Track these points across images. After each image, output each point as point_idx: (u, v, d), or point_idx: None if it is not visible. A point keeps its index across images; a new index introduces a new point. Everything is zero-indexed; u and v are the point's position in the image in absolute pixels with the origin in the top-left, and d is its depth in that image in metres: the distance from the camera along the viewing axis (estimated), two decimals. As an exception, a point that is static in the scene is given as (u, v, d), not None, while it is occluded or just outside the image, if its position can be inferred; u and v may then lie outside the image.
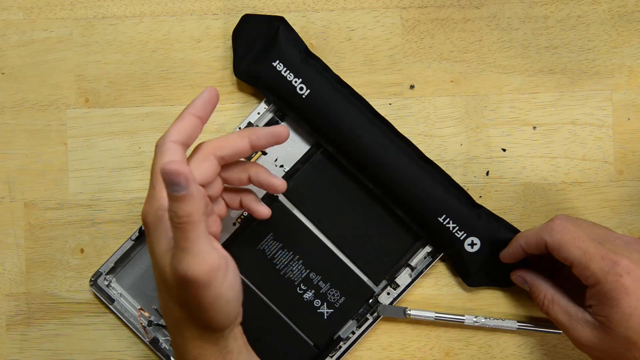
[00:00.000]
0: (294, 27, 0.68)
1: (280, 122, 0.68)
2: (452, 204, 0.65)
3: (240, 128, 0.67)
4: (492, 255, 0.66)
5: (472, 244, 0.65)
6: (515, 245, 0.63)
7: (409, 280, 0.67)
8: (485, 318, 0.66)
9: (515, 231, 0.66)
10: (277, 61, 0.65)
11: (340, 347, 0.66)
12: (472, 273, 0.66)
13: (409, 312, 0.66)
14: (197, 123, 0.56)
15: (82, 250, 0.68)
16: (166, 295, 0.55)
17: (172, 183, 0.48)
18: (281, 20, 0.66)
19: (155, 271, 0.55)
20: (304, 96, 0.65)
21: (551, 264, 0.64)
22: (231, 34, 0.67)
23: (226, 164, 0.59)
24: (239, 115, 0.68)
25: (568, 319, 0.60)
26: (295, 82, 0.65)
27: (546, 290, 0.62)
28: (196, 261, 0.50)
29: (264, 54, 0.66)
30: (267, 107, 0.67)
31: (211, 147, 0.57)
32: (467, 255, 0.65)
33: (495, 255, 0.65)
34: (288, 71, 0.65)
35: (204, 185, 0.57)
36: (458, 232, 0.65)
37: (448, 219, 0.65)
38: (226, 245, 0.67)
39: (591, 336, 0.58)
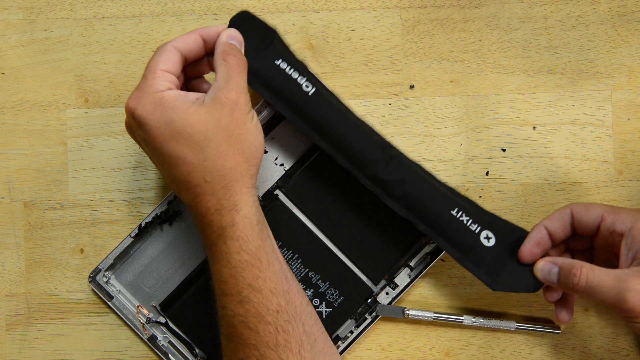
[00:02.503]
0: (294, 28, 0.68)
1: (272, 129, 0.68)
2: (462, 200, 0.64)
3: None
4: (511, 255, 0.63)
5: (487, 238, 0.63)
6: (538, 228, 0.62)
7: (408, 280, 0.66)
8: (483, 318, 0.66)
9: (523, 230, 0.64)
10: (280, 60, 0.65)
11: (339, 346, 0.66)
12: (494, 272, 0.63)
13: (407, 312, 0.66)
14: (200, 43, 0.61)
15: (82, 250, 0.68)
16: (215, 150, 0.57)
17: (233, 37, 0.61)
18: (274, 33, 0.65)
19: (182, 143, 0.57)
20: (310, 94, 0.64)
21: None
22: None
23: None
24: (239, 116, 0.68)
25: (615, 277, 0.56)
26: (301, 79, 0.64)
27: (582, 263, 0.58)
28: (244, 88, 0.59)
29: (264, 53, 0.65)
30: (263, 111, 0.67)
31: (170, 43, 0.61)
32: (485, 250, 0.63)
33: (513, 254, 0.63)
34: (292, 69, 0.64)
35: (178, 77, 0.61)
36: (472, 224, 0.63)
37: (461, 212, 0.63)
38: (225, 245, 0.67)
39: None
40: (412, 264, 0.67)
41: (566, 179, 0.68)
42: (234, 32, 0.62)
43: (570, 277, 0.58)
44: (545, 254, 0.62)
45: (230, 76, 0.59)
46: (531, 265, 0.62)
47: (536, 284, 0.63)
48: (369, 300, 0.67)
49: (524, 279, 0.63)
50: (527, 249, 0.62)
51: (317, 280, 0.66)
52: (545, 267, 0.61)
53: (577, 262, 0.59)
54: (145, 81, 0.58)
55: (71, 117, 0.69)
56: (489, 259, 0.63)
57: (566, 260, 0.60)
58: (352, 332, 0.66)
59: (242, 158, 0.58)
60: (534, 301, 0.67)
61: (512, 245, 0.63)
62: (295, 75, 0.64)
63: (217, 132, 0.57)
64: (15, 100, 0.69)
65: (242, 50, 0.62)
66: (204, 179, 0.57)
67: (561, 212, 0.61)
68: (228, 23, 0.65)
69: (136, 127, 0.58)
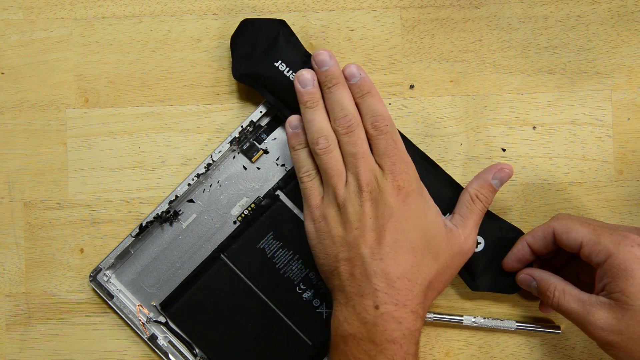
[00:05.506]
0: (294, 27, 0.68)
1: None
2: (454, 203, 0.65)
3: (242, 127, 0.67)
4: (496, 257, 0.65)
5: (476, 243, 0.65)
6: (521, 244, 0.63)
7: (409, 280, 0.66)
8: (484, 318, 0.66)
9: (517, 230, 0.66)
10: (280, 61, 0.65)
11: (340, 347, 0.66)
12: (477, 275, 0.65)
13: (408, 312, 0.66)
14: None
15: (82, 250, 0.68)
16: (430, 257, 0.61)
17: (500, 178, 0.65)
18: (282, 23, 0.66)
19: (422, 236, 0.61)
20: None
21: (553, 270, 0.64)
22: (231, 34, 0.67)
23: None
24: (239, 115, 0.68)
25: (582, 306, 0.59)
26: None
27: (556, 283, 0.61)
28: (475, 238, 0.64)
29: (265, 54, 0.65)
30: (270, 105, 0.67)
31: None
32: (472, 254, 0.65)
33: (499, 257, 0.65)
34: (290, 71, 0.65)
35: None
36: None
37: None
38: (226, 243, 0.67)
39: (608, 317, 0.57)
40: (412, 264, 0.67)
41: (566, 179, 0.68)
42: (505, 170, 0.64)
43: (545, 297, 0.61)
44: (528, 265, 0.65)
45: (476, 222, 0.63)
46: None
47: (515, 287, 0.65)
48: (370, 301, 0.67)
49: (505, 281, 0.65)
50: (508, 263, 0.65)
51: (318, 281, 0.66)
52: (524, 280, 0.64)
53: (552, 283, 0.61)
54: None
55: (71, 117, 0.69)
56: (474, 262, 0.65)
57: (543, 277, 0.62)
58: (352, 332, 0.66)
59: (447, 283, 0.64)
60: (534, 301, 0.67)
61: (500, 250, 0.65)
62: (292, 77, 0.65)
63: (451, 256, 0.62)
64: (15, 100, 0.69)
65: None
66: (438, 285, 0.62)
67: (544, 231, 0.62)
68: (230, 40, 0.66)
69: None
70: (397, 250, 0.59)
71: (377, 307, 0.58)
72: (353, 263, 0.60)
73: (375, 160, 0.61)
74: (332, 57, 0.63)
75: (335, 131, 0.62)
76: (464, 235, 0.62)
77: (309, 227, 0.63)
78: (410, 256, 0.60)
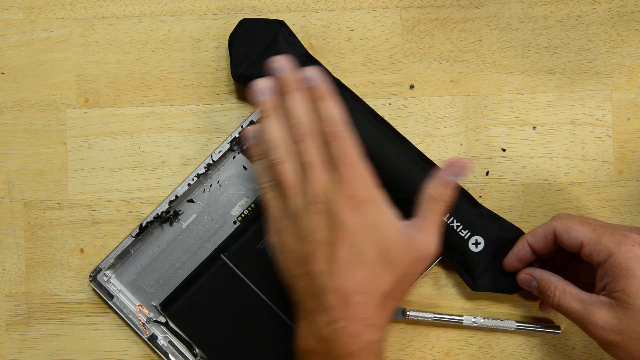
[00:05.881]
0: (294, 27, 0.68)
1: None
2: (455, 203, 0.65)
3: (242, 127, 0.67)
4: (496, 257, 0.65)
5: (476, 243, 0.65)
6: (521, 243, 0.63)
7: (409, 280, 0.66)
8: (484, 318, 0.66)
9: (517, 230, 0.66)
10: None
11: (340, 347, 0.66)
12: (477, 276, 0.65)
13: (407, 312, 0.66)
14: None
15: (82, 250, 0.68)
16: (387, 268, 0.58)
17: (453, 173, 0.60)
18: (281, 23, 0.66)
19: (375, 245, 0.58)
20: None
21: (554, 269, 0.64)
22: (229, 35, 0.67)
23: None
24: (239, 115, 0.68)
25: (582, 305, 0.59)
26: None
27: (556, 282, 0.61)
28: (438, 236, 0.60)
29: (263, 56, 0.65)
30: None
31: None
32: (472, 254, 0.65)
33: (499, 257, 0.65)
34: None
35: None
36: (462, 231, 0.65)
37: (452, 218, 0.65)
38: (226, 243, 0.67)
39: (609, 317, 0.57)
40: (412, 264, 0.67)
41: (566, 179, 0.68)
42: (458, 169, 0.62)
43: (545, 296, 0.61)
44: (529, 264, 0.65)
45: (437, 222, 0.60)
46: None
47: (516, 287, 0.65)
48: (369, 301, 0.67)
49: (506, 281, 0.65)
50: (509, 262, 0.64)
51: (318, 280, 0.67)
52: (524, 280, 0.64)
53: (552, 282, 0.61)
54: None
55: (71, 117, 0.69)
56: (474, 262, 0.65)
57: (543, 277, 0.62)
58: (352, 333, 0.66)
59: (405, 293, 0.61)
60: (534, 301, 0.67)
61: (500, 250, 0.65)
62: None
63: (409, 264, 0.59)
64: (15, 100, 0.69)
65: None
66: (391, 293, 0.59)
67: (544, 231, 0.62)
68: (228, 40, 0.66)
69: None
70: (351, 265, 0.57)
71: (332, 323, 0.57)
72: (307, 279, 0.58)
73: (331, 169, 0.59)
74: (288, 63, 0.60)
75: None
76: (424, 240, 0.59)
77: (271, 240, 0.61)
78: (364, 270, 0.57)
